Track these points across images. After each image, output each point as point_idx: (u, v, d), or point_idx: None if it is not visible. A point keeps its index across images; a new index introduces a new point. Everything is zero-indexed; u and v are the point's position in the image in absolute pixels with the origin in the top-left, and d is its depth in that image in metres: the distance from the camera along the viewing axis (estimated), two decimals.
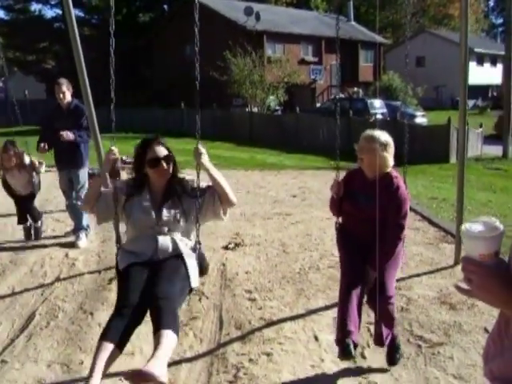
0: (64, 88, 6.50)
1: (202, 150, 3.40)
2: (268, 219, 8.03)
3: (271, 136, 23.30)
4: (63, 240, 6.94)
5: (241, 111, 27.81)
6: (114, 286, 5.37)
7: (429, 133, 18.67)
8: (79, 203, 6.71)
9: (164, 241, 3.38)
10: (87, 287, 5.39)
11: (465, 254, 1.51)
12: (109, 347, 2.95)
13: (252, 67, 27.93)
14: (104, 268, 5.90)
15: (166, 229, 3.41)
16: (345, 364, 3.84)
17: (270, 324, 4.49)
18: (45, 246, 6.71)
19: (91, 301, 5.06)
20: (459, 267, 5.70)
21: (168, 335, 2.92)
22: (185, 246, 3.44)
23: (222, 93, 27.56)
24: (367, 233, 3.57)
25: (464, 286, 1.51)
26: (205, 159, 3.39)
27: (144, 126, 24.67)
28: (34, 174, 6.65)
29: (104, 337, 3.01)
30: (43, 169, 6.56)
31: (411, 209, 8.38)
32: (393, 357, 3.80)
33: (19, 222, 6.85)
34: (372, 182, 3.59)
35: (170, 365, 3.90)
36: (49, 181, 8.98)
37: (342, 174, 3.97)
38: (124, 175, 11.24)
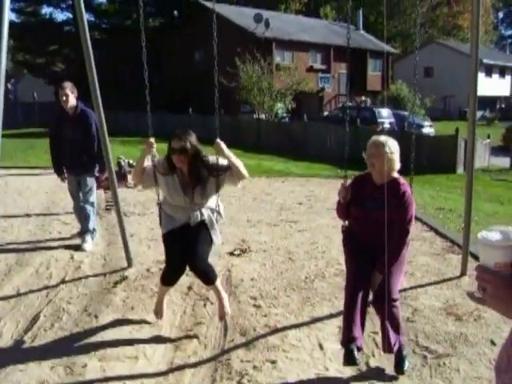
0: (67, 91, 6.40)
1: (221, 142, 4.22)
2: (274, 226, 8.00)
3: (278, 143, 23.32)
4: (69, 242, 6.93)
5: (248, 118, 27.84)
6: (119, 289, 5.38)
7: (436, 143, 18.66)
8: (86, 206, 6.73)
9: (194, 213, 4.40)
10: (92, 290, 5.38)
11: (480, 262, 1.49)
12: (166, 289, 4.63)
13: (260, 74, 27.97)
14: (109, 271, 5.90)
15: (196, 207, 4.40)
16: (349, 373, 3.83)
17: (275, 331, 4.47)
18: (51, 248, 6.70)
19: (96, 304, 5.06)
20: (466, 278, 5.68)
21: (213, 287, 4.53)
22: (207, 214, 4.47)
23: (230, 99, 27.59)
24: (374, 237, 3.76)
25: (477, 294, 1.49)
26: (224, 149, 4.23)
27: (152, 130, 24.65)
28: None
29: (164, 283, 4.53)
30: None
31: (418, 218, 8.39)
32: (401, 366, 3.78)
33: None
34: (379, 187, 3.77)
35: (173, 370, 3.92)
36: (56, 183, 8.99)
37: (349, 181, 4.06)
38: (129, 179, 11.29)
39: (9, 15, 3.08)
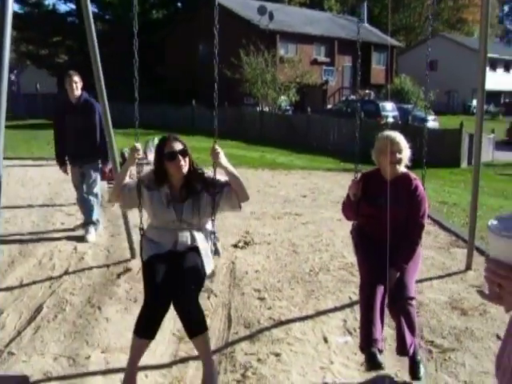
0: (76, 78, 6.48)
1: (219, 149, 3.52)
2: (278, 219, 7.98)
3: (281, 136, 23.26)
4: (72, 233, 6.91)
5: (252, 110, 27.75)
6: (122, 281, 5.35)
7: (440, 137, 18.56)
8: (90, 197, 6.70)
9: (183, 236, 3.63)
10: (95, 281, 5.36)
11: (492, 255, 1.33)
12: (143, 344, 3.38)
13: (264, 66, 27.89)
14: (112, 262, 5.88)
15: (185, 225, 3.63)
16: (354, 366, 3.80)
17: (279, 324, 4.45)
18: (54, 239, 6.69)
19: (99, 295, 5.04)
20: (471, 272, 5.65)
21: (200, 340, 3.45)
22: (201, 239, 3.67)
23: (233, 91, 27.51)
24: (388, 234, 3.50)
25: (485, 290, 1.39)
26: (222, 158, 3.52)
27: (154, 122, 24.45)
28: None
29: (138, 333, 3.36)
30: None
31: None
32: (417, 371, 3.60)
33: None
34: (390, 183, 3.64)
35: (177, 362, 3.89)
36: (59, 174, 8.96)
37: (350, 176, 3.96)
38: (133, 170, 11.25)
39: (12, 6, 3.03)
